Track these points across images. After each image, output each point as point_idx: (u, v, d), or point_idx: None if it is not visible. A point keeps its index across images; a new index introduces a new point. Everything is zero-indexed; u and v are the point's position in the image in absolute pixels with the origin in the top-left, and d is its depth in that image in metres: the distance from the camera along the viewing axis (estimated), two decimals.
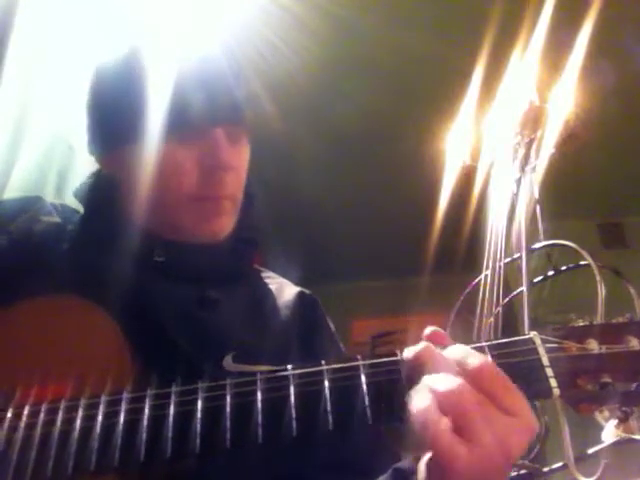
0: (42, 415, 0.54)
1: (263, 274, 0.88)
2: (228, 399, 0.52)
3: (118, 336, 0.62)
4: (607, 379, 0.52)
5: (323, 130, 2.72)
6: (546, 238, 1.53)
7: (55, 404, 0.54)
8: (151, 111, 0.72)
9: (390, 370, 0.52)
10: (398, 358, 0.52)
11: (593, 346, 0.53)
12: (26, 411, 0.54)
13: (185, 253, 0.76)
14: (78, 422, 0.52)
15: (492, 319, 1.49)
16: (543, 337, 0.54)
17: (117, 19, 1.67)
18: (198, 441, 0.50)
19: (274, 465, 0.62)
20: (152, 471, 0.52)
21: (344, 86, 2.54)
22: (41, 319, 0.64)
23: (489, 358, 0.50)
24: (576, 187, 3.05)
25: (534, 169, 1.60)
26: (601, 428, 1.22)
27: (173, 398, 0.53)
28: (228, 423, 0.51)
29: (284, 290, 0.85)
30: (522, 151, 1.62)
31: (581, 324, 0.56)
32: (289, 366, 0.54)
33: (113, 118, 0.76)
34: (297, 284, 0.88)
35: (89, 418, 0.53)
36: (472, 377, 0.48)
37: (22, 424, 0.53)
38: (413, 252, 2.86)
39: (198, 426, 0.51)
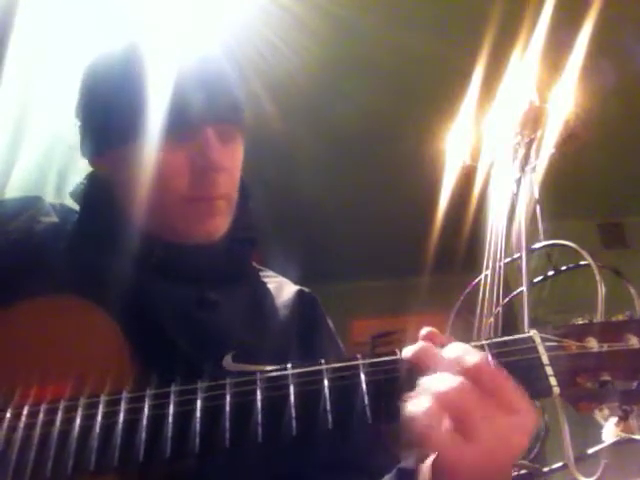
0: (41, 415, 0.54)
1: (262, 273, 0.88)
2: (228, 399, 0.52)
3: (118, 336, 0.62)
4: (607, 377, 0.52)
5: (323, 130, 2.72)
6: (546, 238, 1.53)
7: (54, 404, 0.54)
8: (144, 112, 0.71)
9: (390, 369, 0.52)
10: (397, 357, 0.52)
11: (593, 344, 0.53)
12: (25, 411, 0.54)
13: (183, 254, 0.75)
14: (77, 422, 0.52)
15: (492, 319, 1.49)
16: (543, 335, 0.54)
17: (117, 19, 1.67)
18: (197, 441, 0.50)
19: (274, 464, 0.62)
20: (151, 471, 0.52)
21: (344, 86, 2.53)
22: (40, 319, 0.64)
23: (488, 356, 0.50)
24: (576, 187, 3.05)
25: (534, 169, 1.60)
26: (601, 428, 1.22)
27: (172, 398, 0.53)
28: (227, 423, 0.51)
29: (283, 289, 0.84)
30: (522, 151, 1.62)
31: (581, 322, 0.56)
32: (288, 365, 0.54)
33: (105, 120, 0.75)
34: (297, 283, 0.88)
35: (88, 418, 0.52)
36: (471, 375, 0.48)
37: (21, 424, 0.53)
38: (413, 252, 2.86)
39: (197, 426, 0.51)
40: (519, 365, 0.52)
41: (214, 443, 0.50)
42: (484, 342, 0.53)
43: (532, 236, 1.54)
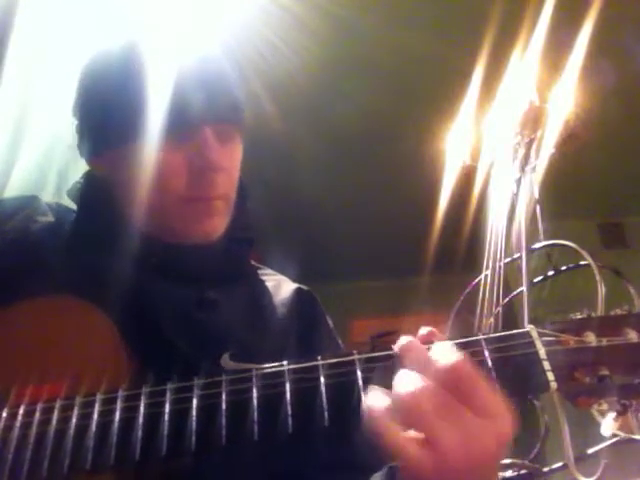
0: (37, 414, 0.54)
1: (260, 271, 0.87)
2: (224, 396, 0.52)
3: (114, 336, 0.62)
4: (605, 372, 0.51)
5: (323, 130, 2.72)
6: (546, 238, 1.53)
7: (50, 403, 0.54)
8: (143, 111, 0.71)
9: (385, 365, 0.52)
10: (393, 352, 0.52)
11: (591, 339, 0.53)
12: (21, 410, 0.54)
13: (182, 254, 0.75)
14: (73, 421, 0.52)
15: (492, 319, 1.49)
16: (540, 330, 0.53)
17: (117, 19, 1.67)
18: (194, 439, 0.50)
19: (270, 462, 0.61)
20: (148, 469, 0.52)
21: (344, 86, 2.53)
22: (37, 319, 0.64)
23: (463, 358, 0.48)
24: (576, 187, 3.05)
25: (534, 169, 1.60)
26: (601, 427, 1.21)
27: (168, 396, 0.53)
28: (224, 420, 0.50)
29: (281, 287, 0.84)
30: (522, 151, 1.62)
31: (579, 317, 0.56)
32: (284, 362, 0.54)
33: (104, 119, 0.75)
34: (296, 282, 0.87)
35: (84, 417, 0.52)
36: (443, 376, 0.46)
37: (17, 423, 0.53)
38: (413, 252, 2.86)
39: (194, 423, 0.51)
40: (516, 360, 0.51)
41: (210, 441, 0.50)
42: (481, 337, 0.53)
43: (532, 236, 1.54)
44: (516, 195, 1.61)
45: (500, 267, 1.55)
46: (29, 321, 0.64)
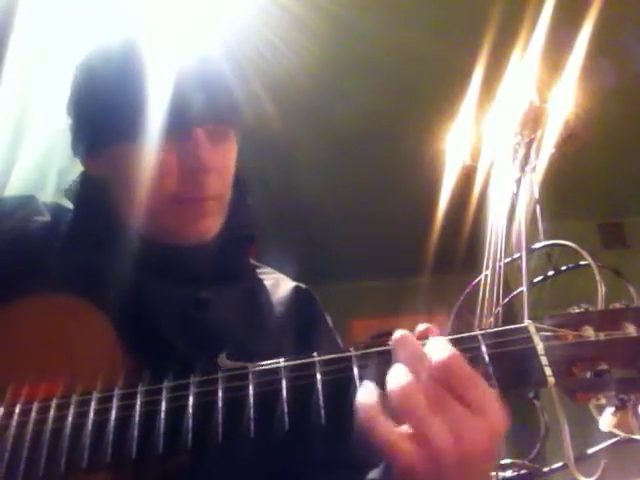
0: (33, 413, 0.53)
1: (259, 270, 0.87)
2: (220, 394, 0.52)
3: (111, 335, 0.62)
4: (604, 366, 0.51)
5: (323, 130, 2.72)
6: (546, 238, 1.53)
7: (47, 402, 0.54)
8: (138, 111, 0.70)
9: (382, 361, 0.51)
10: (390, 348, 0.52)
11: (589, 333, 0.52)
12: (18, 409, 0.54)
13: (179, 255, 0.75)
14: (70, 419, 0.52)
15: (492, 319, 1.49)
16: (538, 325, 0.53)
17: (117, 19, 1.67)
18: (190, 436, 0.50)
19: (267, 461, 0.61)
20: (144, 468, 0.52)
21: (344, 86, 2.53)
22: (34, 318, 0.64)
23: (456, 353, 0.48)
24: (576, 187, 3.05)
25: (534, 169, 1.60)
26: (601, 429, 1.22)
27: (164, 394, 0.52)
28: (220, 418, 0.50)
29: (280, 286, 0.84)
30: (522, 151, 1.62)
31: (577, 311, 0.55)
32: (281, 359, 0.53)
33: (98, 118, 0.74)
34: (295, 281, 0.87)
35: (80, 415, 0.52)
36: (435, 371, 0.46)
37: (14, 422, 0.53)
38: (413, 252, 2.86)
39: (190, 421, 0.50)
40: (514, 355, 0.51)
41: (207, 438, 0.50)
42: (478, 333, 0.52)
43: (532, 236, 1.54)
44: (516, 195, 1.61)
45: (500, 267, 1.55)
46: (26, 320, 0.64)
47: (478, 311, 1.52)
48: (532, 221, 1.56)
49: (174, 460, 0.52)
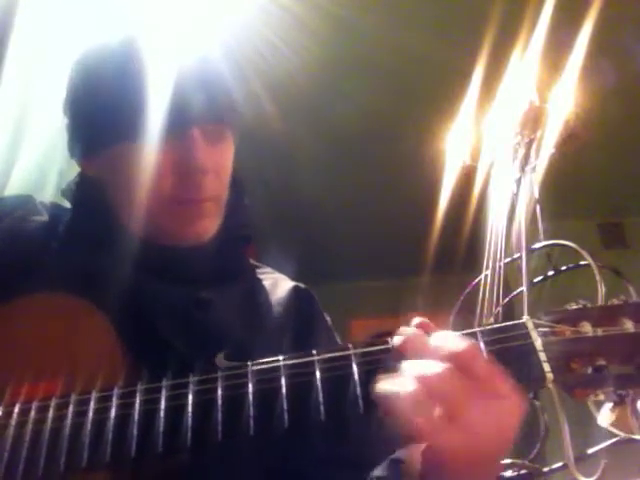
0: (33, 413, 0.53)
1: (258, 270, 0.87)
2: (219, 392, 0.52)
3: (111, 335, 0.62)
4: (602, 362, 0.51)
5: (323, 130, 2.72)
6: (546, 238, 1.53)
7: (46, 401, 0.54)
8: (134, 111, 0.70)
9: (382, 359, 0.51)
10: (389, 346, 0.52)
11: (587, 329, 0.52)
12: (17, 409, 0.54)
13: (176, 256, 0.75)
14: (69, 419, 0.52)
15: (492, 319, 1.49)
16: (536, 321, 0.53)
17: (117, 18, 1.67)
18: (190, 435, 0.50)
19: (267, 458, 0.62)
20: (144, 467, 0.52)
21: (344, 86, 2.53)
22: (33, 317, 0.64)
23: (474, 342, 0.49)
24: (576, 187, 3.05)
25: (534, 169, 1.60)
26: (601, 429, 1.22)
27: (164, 392, 0.53)
28: (219, 416, 0.50)
29: (279, 285, 0.83)
30: (522, 151, 1.62)
31: (575, 307, 0.55)
32: (280, 357, 0.53)
33: (95, 118, 0.74)
34: (294, 281, 0.87)
35: (80, 414, 0.52)
36: (457, 361, 0.47)
37: (13, 422, 0.53)
38: (413, 252, 2.86)
39: (189, 420, 0.51)
40: (512, 352, 0.51)
41: (206, 437, 0.50)
42: (477, 329, 0.53)
43: (532, 236, 1.54)
44: (516, 195, 1.61)
45: (500, 267, 1.54)
46: (25, 320, 0.64)
47: (478, 311, 1.52)
48: (532, 221, 1.56)
49: (174, 459, 0.52)
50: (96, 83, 0.75)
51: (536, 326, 0.52)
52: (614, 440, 1.22)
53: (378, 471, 0.64)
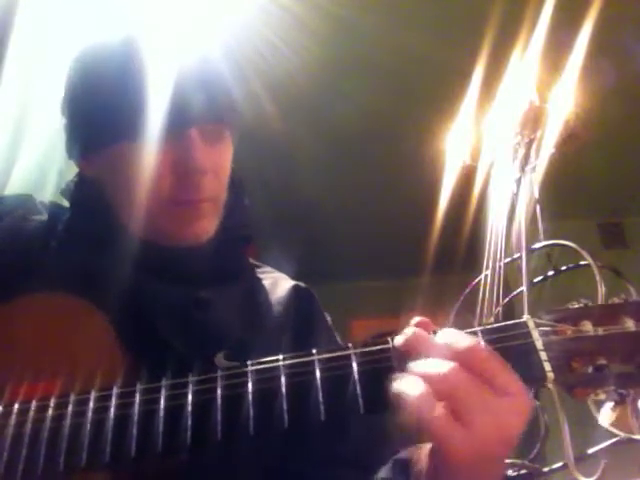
0: (32, 413, 0.53)
1: (258, 269, 0.87)
2: (219, 391, 0.51)
3: (110, 335, 0.62)
4: (602, 361, 0.51)
5: (323, 130, 2.72)
6: (546, 238, 1.53)
7: (45, 401, 0.54)
8: (132, 112, 0.70)
9: (382, 358, 0.51)
10: (389, 346, 0.52)
11: (588, 328, 0.52)
12: (16, 409, 0.54)
13: (175, 257, 0.75)
14: (68, 419, 0.52)
15: (492, 319, 1.49)
16: (537, 320, 0.53)
17: (117, 18, 1.67)
18: (189, 434, 0.50)
19: (267, 458, 0.61)
20: (144, 467, 0.52)
21: (344, 86, 2.53)
22: (33, 317, 0.64)
23: (480, 340, 0.49)
24: (576, 187, 3.05)
25: (534, 169, 1.60)
26: (601, 429, 1.22)
27: (163, 392, 0.52)
28: (219, 415, 0.50)
29: (279, 285, 0.83)
30: (522, 151, 1.62)
31: (576, 306, 0.55)
32: (280, 356, 0.53)
33: (92, 118, 0.74)
34: (294, 280, 0.87)
35: (79, 414, 0.52)
36: (463, 359, 0.47)
37: (12, 422, 0.53)
38: (413, 252, 2.86)
39: (189, 419, 0.50)
40: (513, 351, 0.51)
41: (206, 437, 0.50)
42: (478, 328, 0.53)
43: (532, 236, 1.53)
44: (516, 195, 1.61)
45: (500, 267, 1.54)
46: (24, 319, 0.64)
47: (478, 311, 1.52)
48: (532, 221, 1.56)
49: (173, 459, 0.52)
50: (95, 82, 0.74)
51: (537, 325, 0.52)
52: (614, 440, 1.22)
53: (383, 472, 0.64)
